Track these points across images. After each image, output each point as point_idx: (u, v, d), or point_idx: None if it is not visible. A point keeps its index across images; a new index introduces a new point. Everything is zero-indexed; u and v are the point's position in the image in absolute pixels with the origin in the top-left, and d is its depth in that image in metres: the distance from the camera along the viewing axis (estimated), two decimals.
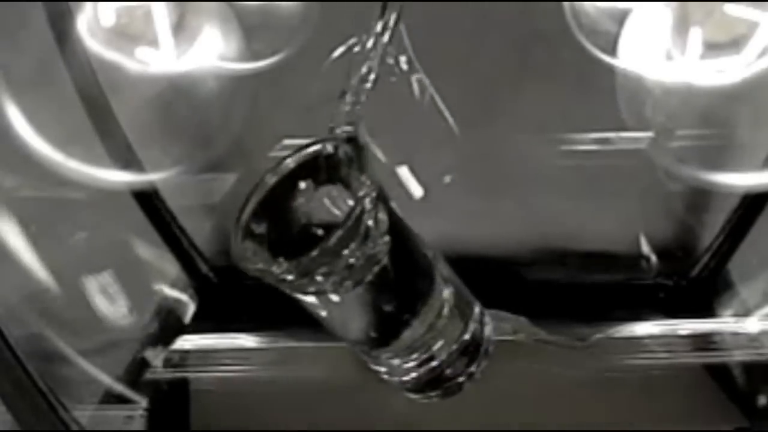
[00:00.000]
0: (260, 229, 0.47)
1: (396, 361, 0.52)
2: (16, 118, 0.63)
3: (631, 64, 0.65)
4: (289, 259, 0.45)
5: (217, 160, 0.71)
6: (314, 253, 0.44)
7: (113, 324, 0.66)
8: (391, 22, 0.50)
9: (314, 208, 0.47)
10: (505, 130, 0.69)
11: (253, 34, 0.68)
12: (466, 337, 0.53)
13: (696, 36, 0.63)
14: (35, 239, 0.60)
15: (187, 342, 0.68)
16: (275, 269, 0.45)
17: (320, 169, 0.48)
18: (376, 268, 0.47)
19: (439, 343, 0.52)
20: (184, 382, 0.65)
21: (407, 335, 0.50)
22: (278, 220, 0.47)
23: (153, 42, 0.65)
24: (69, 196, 0.65)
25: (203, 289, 0.74)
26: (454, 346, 0.52)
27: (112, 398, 0.61)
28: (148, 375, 0.64)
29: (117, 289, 0.66)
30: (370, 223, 0.46)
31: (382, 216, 0.47)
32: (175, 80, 0.67)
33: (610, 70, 0.66)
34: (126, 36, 0.65)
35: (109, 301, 0.65)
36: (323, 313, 0.49)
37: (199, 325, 0.70)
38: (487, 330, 0.54)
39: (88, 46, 0.65)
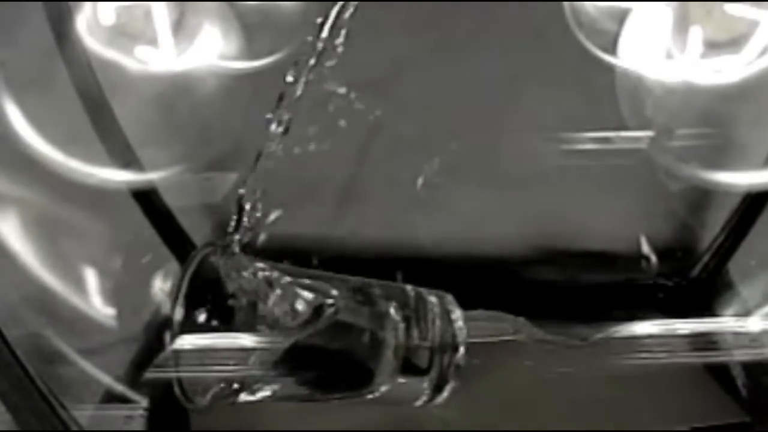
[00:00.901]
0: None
1: (398, 389, 0.53)
2: (16, 117, 0.63)
3: (631, 64, 0.65)
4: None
5: (217, 160, 0.71)
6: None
7: (113, 324, 0.66)
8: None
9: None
10: (505, 130, 0.69)
11: (253, 33, 0.68)
12: (437, 331, 0.54)
13: (696, 35, 0.63)
14: (35, 238, 0.60)
15: (186, 342, 0.67)
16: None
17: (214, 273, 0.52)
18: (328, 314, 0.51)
19: (422, 350, 0.53)
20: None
21: (385, 362, 0.52)
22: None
23: (153, 41, 0.65)
24: (68, 195, 0.65)
25: None
26: (433, 343, 0.53)
27: (112, 398, 0.61)
28: (148, 375, 0.64)
29: (117, 289, 0.66)
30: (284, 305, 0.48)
31: (303, 288, 0.52)
32: (174, 79, 0.67)
33: (610, 69, 0.66)
34: (126, 35, 0.65)
35: (108, 301, 0.65)
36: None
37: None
38: (455, 315, 0.55)
39: (88, 45, 0.65)
